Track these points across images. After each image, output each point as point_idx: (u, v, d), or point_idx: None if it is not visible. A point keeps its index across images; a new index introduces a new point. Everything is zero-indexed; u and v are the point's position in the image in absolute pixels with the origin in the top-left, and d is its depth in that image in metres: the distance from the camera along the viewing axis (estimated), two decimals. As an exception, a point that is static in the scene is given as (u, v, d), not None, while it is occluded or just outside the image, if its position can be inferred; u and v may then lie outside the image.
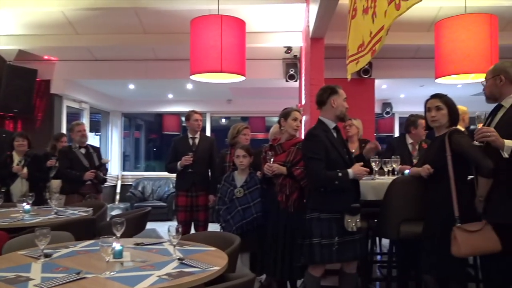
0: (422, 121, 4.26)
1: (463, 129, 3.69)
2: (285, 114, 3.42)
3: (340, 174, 2.75)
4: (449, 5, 5.02)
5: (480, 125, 2.62)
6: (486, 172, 2.47)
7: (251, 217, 3.47)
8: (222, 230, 3.56)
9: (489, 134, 2.33)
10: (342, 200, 2.79)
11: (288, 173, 3.28)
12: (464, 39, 3.94)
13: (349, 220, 2.75)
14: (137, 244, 2.45)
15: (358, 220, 2.77)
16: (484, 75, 3.97)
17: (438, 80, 4.36)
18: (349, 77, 3.88)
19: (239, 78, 4.33)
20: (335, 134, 2.94)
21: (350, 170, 2.78)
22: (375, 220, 3.38)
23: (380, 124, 10.23)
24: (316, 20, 4.51)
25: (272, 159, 3.28)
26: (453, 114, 2.79)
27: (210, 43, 4.02)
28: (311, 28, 4.89)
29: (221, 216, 3.62)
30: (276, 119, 3.73)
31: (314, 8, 4.57)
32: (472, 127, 4.10)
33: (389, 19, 2.37)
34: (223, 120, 10.45)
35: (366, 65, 5.32)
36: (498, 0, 4.95)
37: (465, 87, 6.76)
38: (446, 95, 2.83)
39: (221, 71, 4.07)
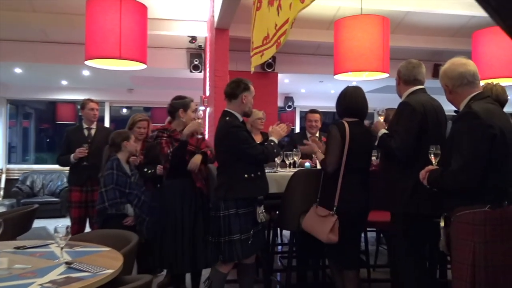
0: (310, 115, 4.48)
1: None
2: (185, 105, 3.33)
3: (272, 143, 2.92)
4: (347, 5, 5.26)
5: (381, 118, 2.82)
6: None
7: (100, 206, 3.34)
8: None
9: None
10: (261, 188, 2.89)
11: (203, 155, 3.30)
12: (360, 38, 4.15)
13: (259, 212, 2.83)
14: (18, 248, 2.19)
15: (263, 211, 2.86)
16: (377, 73, 4.33)
17: (337, 77, 4.56)
18: (252, 69, 3.88)
19: (140, 66, 4.10)
20: None
21: (273, 138, 2.97)
22: (277, 212, 3.45)
23: (282, 118, 10.54)
24: (221, 10, 4.44)
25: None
26: None
27: (108, 26, 3.73)
28: (216, 19, 4.81)
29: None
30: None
31: (219, -2, 4.50)
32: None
33: (293, 11, 2.39)
34: (124, 110, 9.94)
35: (270, 59, 5.41)
36: (390, 4, 5.32)
37: (359, 84, 7.21)
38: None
39: (119, 58, 3.81)
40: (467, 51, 6.00)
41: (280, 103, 9.14)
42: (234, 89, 2.92)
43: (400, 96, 2.84)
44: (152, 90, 8.75)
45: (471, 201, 2.00)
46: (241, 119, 2.95)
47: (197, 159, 3.26)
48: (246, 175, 2.84)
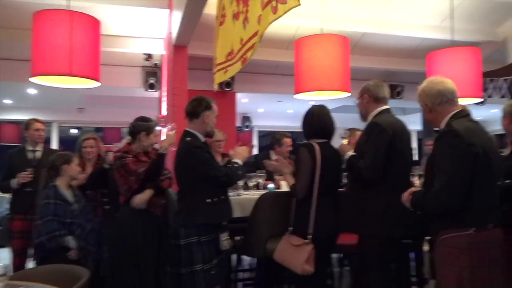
0: (287, 140, 4.37)
1: None
2: (149, 129, 3.12)
3: (236, 165, 2.76)
4: (306, 25, 5.28)
5: (345, 141, 2.73)
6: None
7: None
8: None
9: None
10: (224, 213, 2.73)
11: (156, 188, 3.07)
12: (321, 58, 4.11)
13: (223, 239, 2.65)
14: None
15: (228, 238, 2.68)
16: (339, 92, 4.30)
17: (296, 96, 4.50)
18: (215, 87, 3.75)
19: (92, 84, 3.83)
20: None
21: (237, 160, 2.82)
22: (240, 237, 3.27)
23: (239, 138, 10.44)
24: (180, 27, 4.29)
25: None
26: None
27: (57, 41, 3.45)
28: (174, 35, 4.64)
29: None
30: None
31: (178, 14, 4.34)
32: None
33: (264, 24, 2.27)
34: (74, 131, 9.47)
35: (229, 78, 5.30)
36: (347, 25, 5.39)
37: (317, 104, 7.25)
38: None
39: (70, 74, 3.53)
40: (421, 72, 6.21)
41: (237, 122, 9.05)
42: (196, 107, 2.75)
43: (363, 116, 2.79)
44: (104, 109, 8.40)
45: (455, 223, 1.93)
46: (203, 139, 2.77)
47: (145, 195, 3.01)
48: (208, 200, 2.65)
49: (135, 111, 3.48)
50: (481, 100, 4.31)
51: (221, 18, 3.43)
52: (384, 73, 6.72)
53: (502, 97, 5.78)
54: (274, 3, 2.16)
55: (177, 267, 2.62)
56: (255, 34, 2.45)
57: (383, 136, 2.53)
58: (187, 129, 2.77)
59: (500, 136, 3.92)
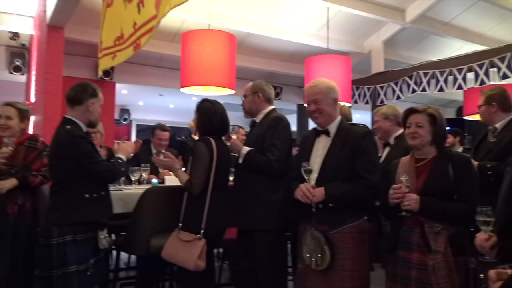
0: (159, 132, 4.24)
1: None
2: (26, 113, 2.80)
3: (120, 161, 2.58)
4: (193, 20, 5.23)
5: (234, 137, 2.76)
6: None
7: None
8: None
9: None
10: (105, 209, 2.53)
11: (22, 181, 2.73)
12: (208, 53, 4.12)
13: (102, 237, 2.44)
14: None
15: (107, 236, 2.50)
16: (224, 89, 4.35)
17: (183, 90, 4.43)
18: (100, 73, 3.49)
19: None
20: None
21: (121, 156, 2.62)
22: (121, 234, 3.10)
23: (116, 131, 9.92)
24: (56, 5, 3.89)
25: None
26: None
27: None
28: (48, 14, 4.20)
29: None
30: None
31: (54, -9, 3.95)
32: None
33: (165, 7, 2.15)
34: None
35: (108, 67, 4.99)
36: (233, 24, 5.48)
37: (200, 99, 7.23)
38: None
39: None
40: (299, 75, 6.62)
41: (115, 115, 8.58)
42: (80, 93, 2.50)
43: (253, 113, 2.87)
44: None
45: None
46: (85, 129, 2.54)
47: (8, 183, 2.70)
48: (87, 195, 2.44)
49: (-3, 96, 3.07)
50: (350, 104, 4.74)
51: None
52: (265, 74, 6.98)
53: (366, 103, 6.48)
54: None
55: (48, 270, 2.36)
56: (153, 18, 2.32)
57: (288, 130, 2.71)
58: (66, 116, 2.52)
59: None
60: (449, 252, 1.98)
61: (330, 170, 2.22)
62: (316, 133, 2.36)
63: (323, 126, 2.32)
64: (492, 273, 1.00)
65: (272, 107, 2.87)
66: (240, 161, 2.68)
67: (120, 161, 2.60)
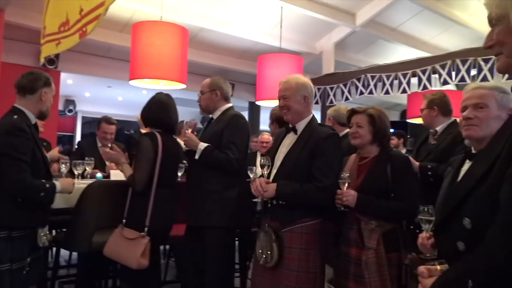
0: (104, 125, 4.10)
1: None
2: None
3: (47, 185, 2.28)
4: (144, 11, 5.10)
5: (189, 131, 2.72)
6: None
7: None
8: None
9: None
10: (41, 211, 2.33)
11: None
12: (159, 45, 4.02)
13: (41, 234, 2.29)
14: None
15: (48, 233, 2.36)
16: (175, 83, 4.26)
17: (132, 82, 4.31)
18: (42, 60, 3.31)
19: None
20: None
21: (57, 183, 2.35)
22: (62, 230, 2.97)
23: (60, 123, 9.49)
24: (-5, -14, 3.65)
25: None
26: None
27: None
28: (-15, -5, 3.94)
29: None
30: None
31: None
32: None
33: None
34: None
35: (52, 54, 4.76)
36: (186, 18, 5.39)
37: (150, 92, 7.07)
38: None
39: None
40: (251, 73, 6.64)
41: (59, 106, 8.19)
42: (33, 81, 2.34)
43: (209, 110, 2.83)
44: None
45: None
46: (34, 120, 2.37)
47: None
48: (20, 198, 2.29)
49: None
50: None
51: (53, -16, 3.04)
52: (217, 69, 6.94)
53: (316, 103, 6.60)
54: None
55: None
56: (100, 5, 2.23)
57: (246, 129, 2.72)
58: (15, 105, 2.35)
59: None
60: (381, 248, 2.08)
61: (288, 167, 2.23)
62: (286, 130, 2.38)
63: (292, 123, 2.33)
64: (422, 268, 1.04)
65: (230, 105, 2.84)
66: (197, 157, 2.61)
67: (48, 185, 2.30)
